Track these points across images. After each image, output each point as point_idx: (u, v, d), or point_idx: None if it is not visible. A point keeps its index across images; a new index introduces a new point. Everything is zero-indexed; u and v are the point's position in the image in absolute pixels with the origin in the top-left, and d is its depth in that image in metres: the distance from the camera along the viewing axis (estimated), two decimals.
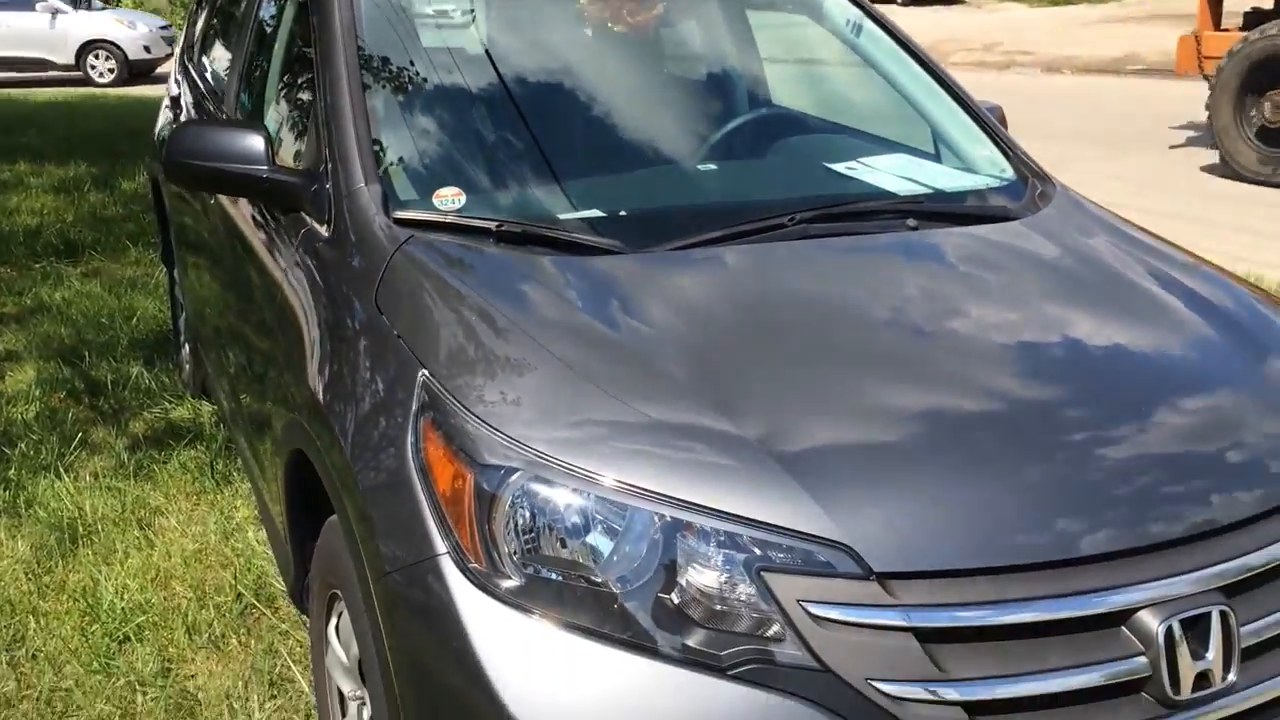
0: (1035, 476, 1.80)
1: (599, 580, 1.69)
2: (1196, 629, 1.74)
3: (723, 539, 1.67)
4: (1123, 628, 1.72)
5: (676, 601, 1.66)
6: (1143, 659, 1.71)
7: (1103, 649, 1.71)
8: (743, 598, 1.65)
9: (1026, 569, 1.70)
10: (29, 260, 6.91)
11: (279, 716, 2.81)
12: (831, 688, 1.61)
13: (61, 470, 4.09)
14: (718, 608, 1.65)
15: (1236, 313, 2.37)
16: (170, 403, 4.74)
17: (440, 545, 1.76)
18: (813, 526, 1.67)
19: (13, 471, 4.10)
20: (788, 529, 1.67)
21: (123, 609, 3.24)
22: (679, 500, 1.69)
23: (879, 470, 1.77)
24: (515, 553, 1.71)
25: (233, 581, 3.37)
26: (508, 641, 1.67)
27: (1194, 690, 1.73)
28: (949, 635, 1.66)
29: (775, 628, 1.64)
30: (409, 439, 1.85)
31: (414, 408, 1.88)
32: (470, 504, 1.75)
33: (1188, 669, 1.72)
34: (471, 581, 1.71)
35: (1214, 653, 1.74)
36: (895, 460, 1.79)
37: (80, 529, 3.70)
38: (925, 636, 1.64)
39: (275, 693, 2.90)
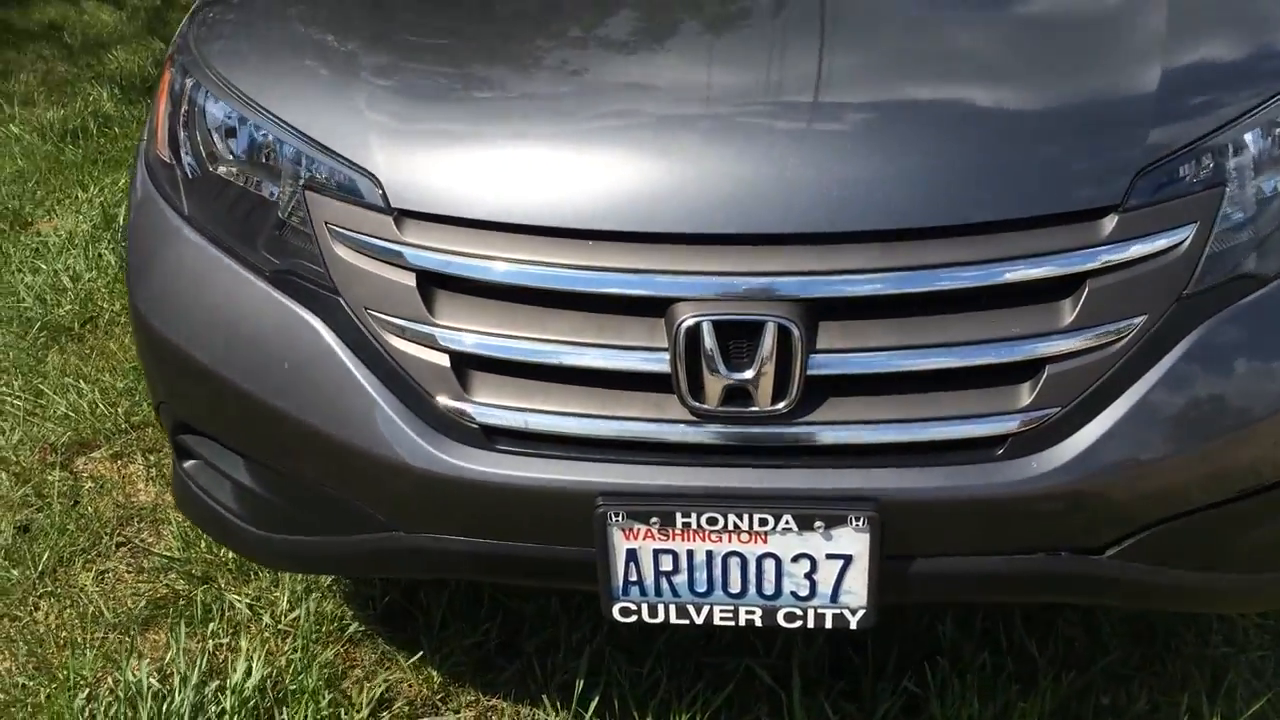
0: (625, 141, 1.61)
1: (256, 187, 1.80)
2: (755, 339, 1.51)
3: (291, 153, 1.72)
4: (662, 319, 1.55)
5: (268, 210, 1.76)
6: (665, 355, 1.53)
7: (624, 335, 1.55)
8: (295, 212, 1.72)
9: (554, 233, 1.57)
10: None
11: None
12: (338, 311, 1.66)
13: None
14: (283, 220, 1.73)
15: None
16: None
17: (147, 134, 2.00)
18: (352, 151, 1.66)
19: None
20: (330, 148, 1.68)
21: None
22: (267, 112, 1.76)
23: (451, 112, 1.69)
24: (194, 149, 1.89)
25: None
26: (153, 231, 1.89)
27: (732, 405, 1.53)
28: (448, 282, 1.61)
29: (310, 246, 1.69)
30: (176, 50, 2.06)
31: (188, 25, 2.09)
32: (164, 99, 1.95)
33: (714, 379, 1.52)
34: (148, 169, 1.94)
35: (754, 371, 1.51)
36: (480, 106, 1.70)
37: None
38: (426, 280, 1.61)
39: None
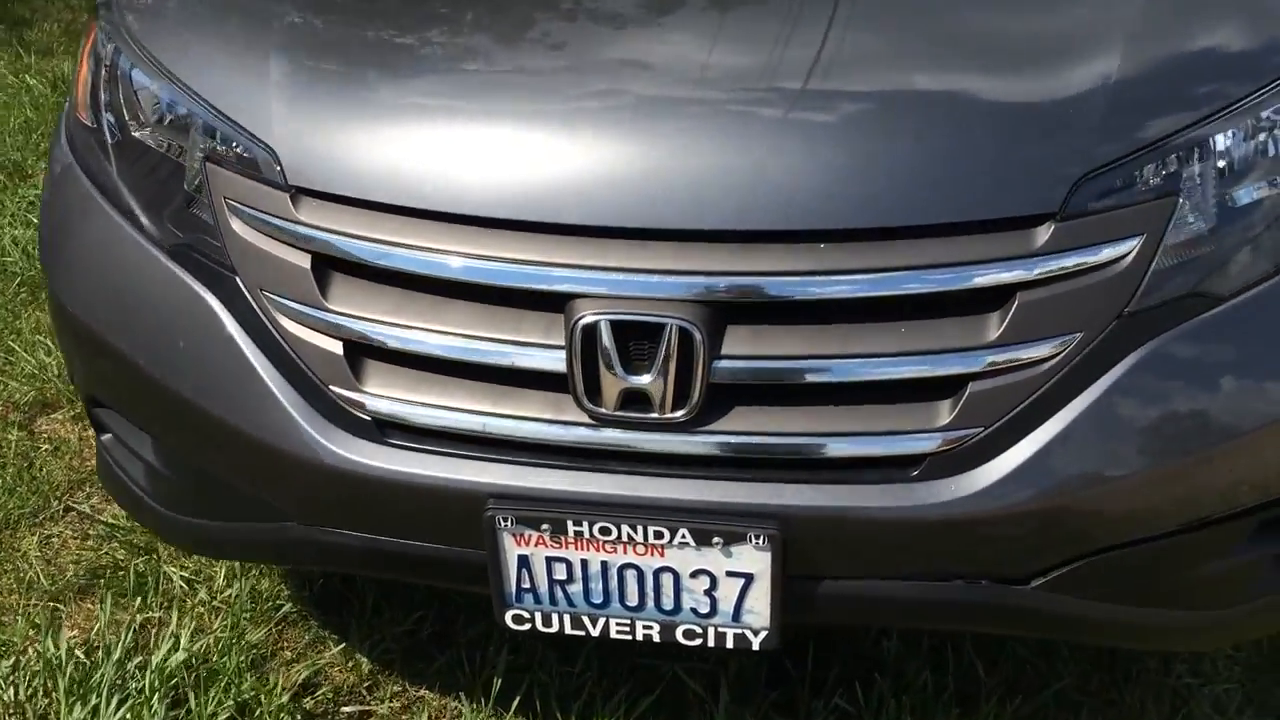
0: (527, 127, 1.51)
1: (166, 156, 1.72)
2: (658, 341, 1.41)
3: (197, 123, 1.64)
4: (561, 315, 1.45)
5: (177, 181, 1.69)
6: (562, 354, 1.44)
7: (521, 330, 1.46)
8: (196, 185, 1.64)
9: (450, 219, 1.47)
10: None
11: None
12: (233, 290, 1.58)
13: None
14: (189, 192, 1.66)
15: None
16: None
17: (70, 97, 1.93)
18: (253, 123, 1.58)
19: None
20: (232, 119, 1.60)
21: None
22: (175, 78, 1.68)
23: (355, 90, 1.60)
24: (115, 112, 1.81)
25: None
26: (65, 199, 1.83)
27: (630, 409, 1.44)
28: (343, 266, 1.52)
29: (208, 220, 1.62)
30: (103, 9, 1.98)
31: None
32: (86, 60, 1.87)
33: (611, 381, 1.42)
34: (67, 136, 1.88)
35: (652, 375, 1.41)
36: (386, 86, 1.60)
37: None
38: (321, 262, 1.53)
39: None
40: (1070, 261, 1.39)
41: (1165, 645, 1.85)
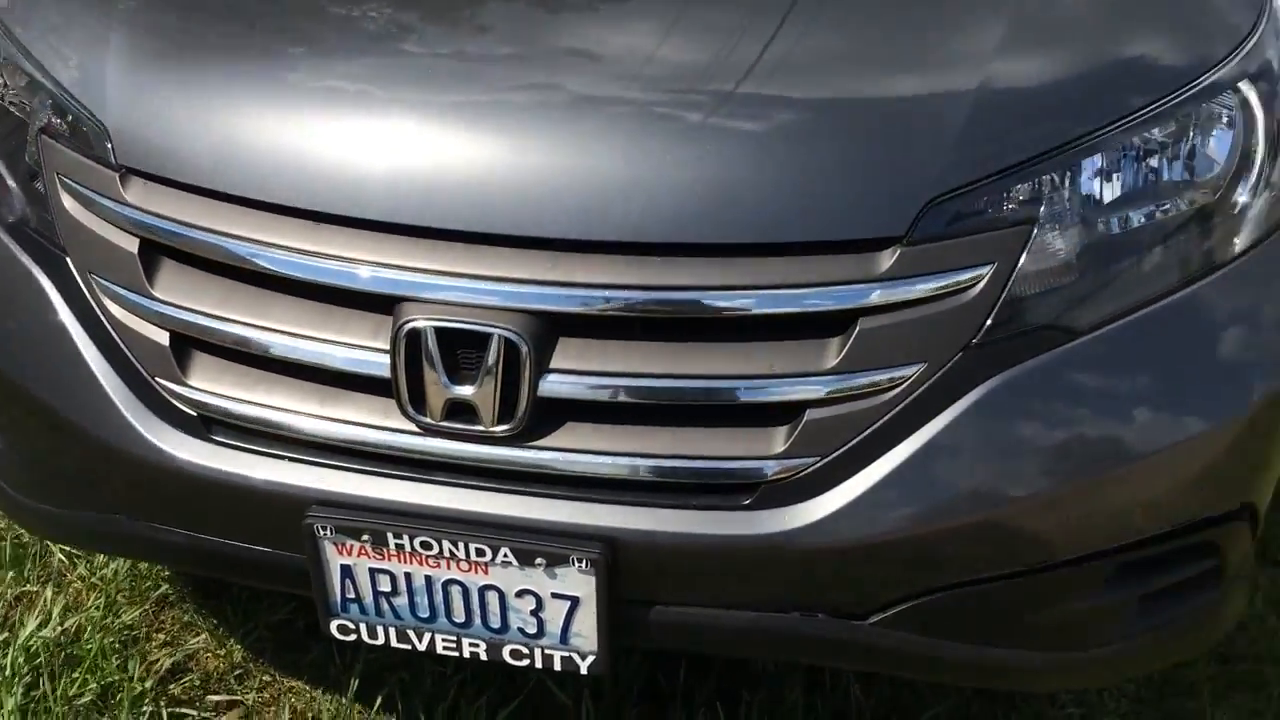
0: (360, 119, 1.43)
1: (15, 127, 1.65)
2: (487, 350, 1.34)
3: (40, 96, 1.57)
4: (390, 318, 1.38)
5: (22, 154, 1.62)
6: (384, 359, 1.37)
7: (348, 331, 1.39)
8: (36, 159, 1.57)
9: (280, 210, 1.40)
10: None
11: None
12: (66, 272, 1.52)
13: None
14: (32, 166, 1.59)
15: None
16: None
17: None
18: (87, 96, 1.51)
19: None
20: (68, 91, 1.53)
21: None
22: (21, 45, 1.61)
23: (192, 67, 1.52)
24: None
25: None
26: None
27: (456, 420, 1.37)
28: (171, 252, 1.46)
29: (45, 196, 1.55)
30: None
31: None
32: None
33: (436, 390, 1.35)
34: None
35: (478, 388, 1.34)
36: (223, 66, 1.52)
37: None
38: (149, 247, 1.46)
39: None
40: (915, 289, 1.31)
41: (1029, 686, 1.78)
